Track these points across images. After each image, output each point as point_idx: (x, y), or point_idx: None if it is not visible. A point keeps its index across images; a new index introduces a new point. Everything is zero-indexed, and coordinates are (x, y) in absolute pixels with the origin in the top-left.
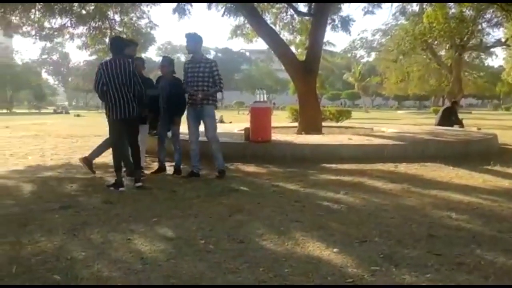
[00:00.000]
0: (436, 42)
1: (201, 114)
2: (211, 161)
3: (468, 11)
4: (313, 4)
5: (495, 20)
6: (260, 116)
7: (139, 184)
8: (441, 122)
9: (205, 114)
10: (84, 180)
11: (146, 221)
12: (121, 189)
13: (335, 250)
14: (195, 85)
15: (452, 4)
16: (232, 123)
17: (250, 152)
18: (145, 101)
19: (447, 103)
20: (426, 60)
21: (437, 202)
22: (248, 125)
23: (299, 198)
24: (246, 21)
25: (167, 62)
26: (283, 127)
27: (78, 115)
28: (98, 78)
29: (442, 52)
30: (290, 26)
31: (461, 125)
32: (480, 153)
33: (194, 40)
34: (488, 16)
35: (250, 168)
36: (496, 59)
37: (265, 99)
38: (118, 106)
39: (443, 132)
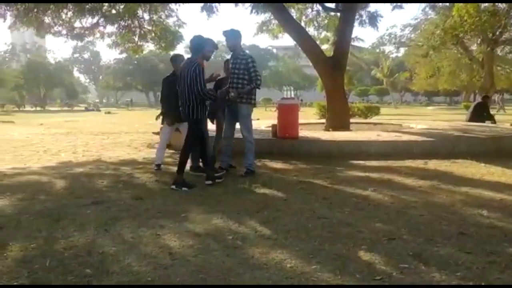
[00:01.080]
0: (467, 36)
1: (236, 112)
2: (242, 158)
3: (500, 4)
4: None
5: None
6: (288, 113)
7: (209, 182)
8: (472, 118)
9: (239, 113)
10: (114, 177)
11: (174, 216)
12: (172, 186)
13: (363, 247)
14: (231, 81)
15: None
16: (260, 119)
17: (278, 149)
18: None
19: (479, 99)
20: (457, 55)
21: (468, 200)
22: (275, 121)
23: (327, 195)
24: (272, 17)
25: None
26: (311, 124)
27: (108, 113)
28: None
29: (474, 47)
30: (315, 22)
31: (493, 121)
32: None
33: (232, 36)
34: None
35: (278, 165)
36: None
37: (293, 95)
38: (182, 108)
39: (474, 128)
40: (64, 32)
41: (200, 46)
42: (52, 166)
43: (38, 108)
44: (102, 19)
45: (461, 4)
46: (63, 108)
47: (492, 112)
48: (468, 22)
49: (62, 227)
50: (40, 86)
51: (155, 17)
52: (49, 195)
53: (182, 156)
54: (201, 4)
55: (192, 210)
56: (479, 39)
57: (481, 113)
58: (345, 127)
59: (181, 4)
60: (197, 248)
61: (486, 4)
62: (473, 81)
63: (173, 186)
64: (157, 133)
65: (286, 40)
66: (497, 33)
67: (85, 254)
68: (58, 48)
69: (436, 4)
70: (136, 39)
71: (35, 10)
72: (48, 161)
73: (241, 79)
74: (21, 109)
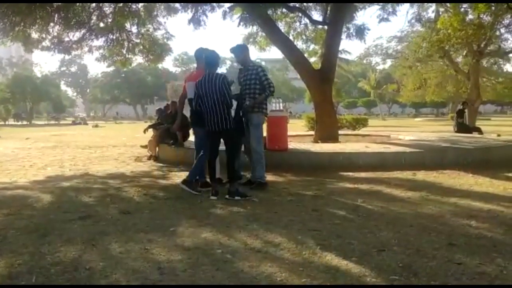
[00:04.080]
0: (453, 48)
1: (248, 122)
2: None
3: (485, 16)
4: (328, 12)
5: None
6: (277, 125)
7: (226, 196)
8: (458, 128)
9: (250, 122)
10: (101, 191)
11: (163, 230)
12: (212, 197)
13: (353, 259)
14: (244, 92)
15: (469, 9)
16: None
17: (267, 161)
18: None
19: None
20: (443, 67)
21: (457, 210)
22: (264, 133)
23: (317, 207)
24: (259, 30)
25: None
26: (300, 136)
27: (96, 126)
28: None
29: (459, 59)
30: (303, 35)
31: (480, 132)
32: (501, 160)
33: (239, 51)
34: (506, 21)
35: (267, 177)
36: None
37: (281, 107)
38: (214, 121)
39: (461, 139)
40: (51, 46)
41: (217, 60)
42: (38, 180)
43: (25, 122)
44: (90, 33)
45: (446, 17)
46: (50, 121)
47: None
48: (454, 35)
49: (48, 243)
50: (27, 100)
51: (143, 30)
52: (35, 210)
53: (230, 166)
54: (189, 17)
55: (181, 224)
56: (465, 51)
57: (462, 117)
58: (334, 138)
59: (168, 17)
60: (186, 263)
61: (471, 17)
62: (460, 92)
63: (227, 196)
64: (145, 147)
65: (275, 52)
66: (482, 45)
67: (72, 270)
68: (45, 61)
69: (422, 16)
70: (124, 52)
71: (22, 24)
72: (35, 175)
73: (253, 88)
74: (6, 123)
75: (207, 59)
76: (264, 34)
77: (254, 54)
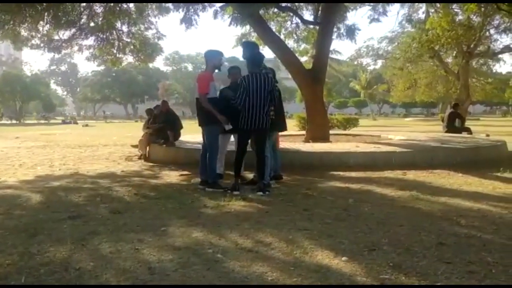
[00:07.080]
0: (443, 49)
1: None
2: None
3: (475, 17)
4: (319, 12)
5: (503, 26)
6: None
7: (260, 193)
8: (449, 128)
9: None
10: (91, 190)
11: (154, 230)
12: (235, 192)
13: (344, 258)
14: None
15: (459, 10)
16: None
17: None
18: None
19: (450, 109)
20: (433, 67)
21: (447, 210)
22: None
23: (308, 207)
24: (251, 30)
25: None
26: (291, 135)
27: (86, 125)
28: None
29: (449, 59)
30: (295, 35)
31: (469, 132)
32: (489, 160)
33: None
34: (496, 22)
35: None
36: (505, 65)
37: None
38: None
39: (451, 139)
40: (41, 44)
41: (262, 60)
42: (28, 180)
43: (14, 121)
44: (80, 32)
45: (434, 18)
46: (40, 121)
47: None
48: (444, 35)
49: (38, 243)
50: (16, 99)
51: (134, 29)
52: (24, 209)
53: (261, 164)
54: (181, 16)
55: (171, 224)
56: (455, 52)
57: (454, 120)
58: (325, 138)
59: (160, 16)
60: (176, 263)
61: (461, 18)
62: (450, 93)
63: (260, 193)
64: (136, 146)
65: (266, 52)
66: (472, 45)
67: (61, 270)
68: (34, 60)
69: (413, 16)
70: (115, 51)
71: (11, 22)
72: (24, 175)
73: None
74: None
75: (252, 58)
76: (256, 34)
77: None
